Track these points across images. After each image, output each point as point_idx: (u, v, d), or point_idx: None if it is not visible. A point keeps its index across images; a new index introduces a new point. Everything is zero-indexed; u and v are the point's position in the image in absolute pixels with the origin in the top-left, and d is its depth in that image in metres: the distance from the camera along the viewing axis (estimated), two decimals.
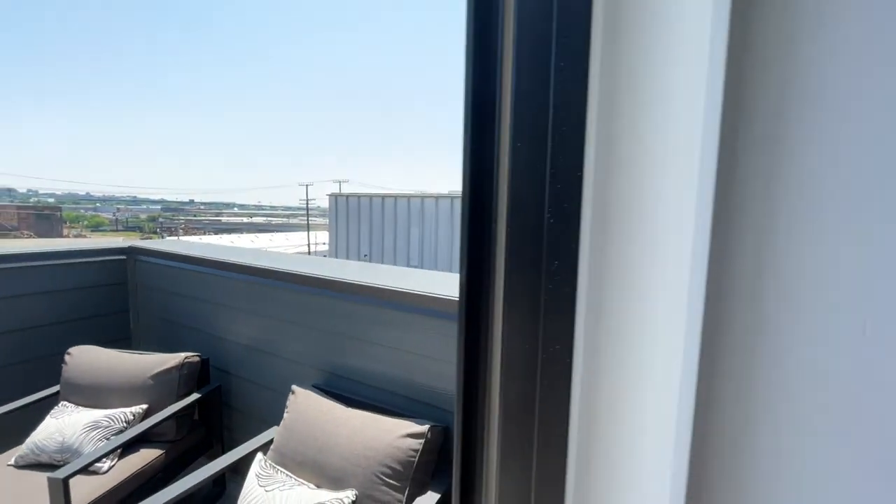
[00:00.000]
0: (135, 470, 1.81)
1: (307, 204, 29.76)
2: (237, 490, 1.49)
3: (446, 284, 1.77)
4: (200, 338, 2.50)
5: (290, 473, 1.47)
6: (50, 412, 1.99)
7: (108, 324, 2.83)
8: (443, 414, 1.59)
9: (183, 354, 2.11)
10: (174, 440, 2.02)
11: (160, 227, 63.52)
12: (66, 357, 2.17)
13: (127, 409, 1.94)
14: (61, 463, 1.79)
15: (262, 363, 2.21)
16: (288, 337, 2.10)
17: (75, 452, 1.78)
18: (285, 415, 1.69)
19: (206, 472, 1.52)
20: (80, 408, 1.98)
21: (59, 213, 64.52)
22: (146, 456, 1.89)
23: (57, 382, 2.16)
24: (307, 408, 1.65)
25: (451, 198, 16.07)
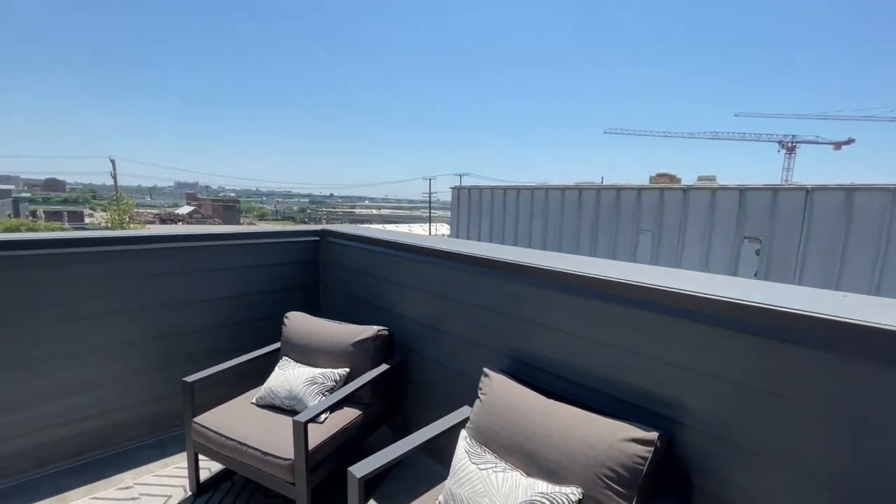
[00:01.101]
0: (343, 424, 2.05)
1: (429, 197, 31.34)
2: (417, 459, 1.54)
3: (645, 273, 1.58)
4: (382, 313, 2.73)
5: (497, 455, 1.47)
6: (277, 364, 2.37)
7: (302, 295, 3.29)
8: (657, 419, 1.41)
9: (375, 328, 2.31)
10: (369, 403, 2.23)
11: (307, 218, 73.94)
12: (285, 320, 2.56)
13: (334, 371, 2.20)
14: (289, 407, 2.12)
15: (442, 342, 2.30)
16: (470, 320, 2.14)
17: (300, 401, 2.08)
18: (481, 396, 1.70)
19: (409, 442, 1.62)
20: (298, 364, 2.32)
21: (238, 205, 79.68)
22: (349, 414, 2.12)
23: (276, 340, 2.57)
24: (505, 393, 1.64)
25: (580, 189, 15.22)
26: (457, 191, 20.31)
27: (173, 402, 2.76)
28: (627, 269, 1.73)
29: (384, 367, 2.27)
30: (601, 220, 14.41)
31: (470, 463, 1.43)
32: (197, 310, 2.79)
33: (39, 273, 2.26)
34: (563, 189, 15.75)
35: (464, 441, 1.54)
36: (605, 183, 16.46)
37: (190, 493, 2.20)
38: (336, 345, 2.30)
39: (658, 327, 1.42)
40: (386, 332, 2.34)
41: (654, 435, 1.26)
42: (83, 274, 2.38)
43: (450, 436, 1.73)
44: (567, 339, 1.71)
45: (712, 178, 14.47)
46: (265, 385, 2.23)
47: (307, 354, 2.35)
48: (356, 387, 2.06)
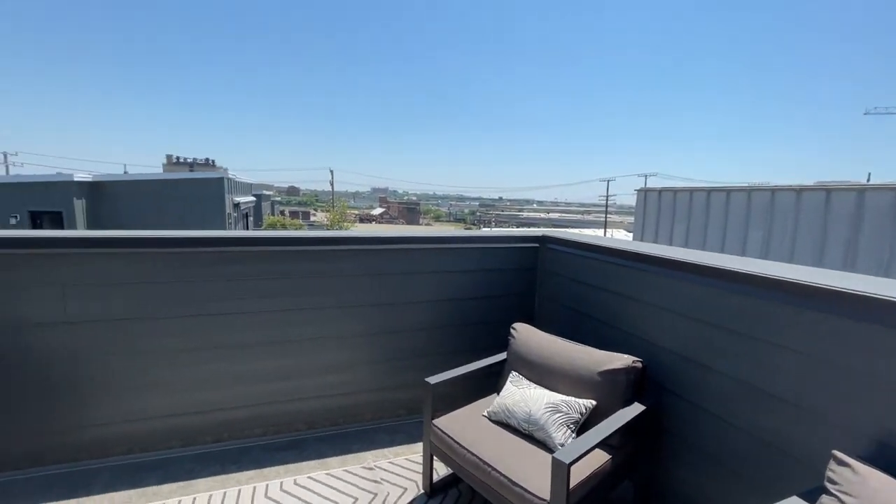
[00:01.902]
0: (594, 469, 1.74)
1: (606, 200, 28.93)
2: None
3: None
4: (617, 336, 2.33)
5: None
6: (507, 377, 2.22)
7: (517, 303, 3.14)
8: None
9: (628, 358, 1.94)
10: (617, 447, 1.87)
11: (477, 220, 78.03)
12: (513, 332, 2.42)
13: (578, 400, 1.91)
14: (527, 432, 1.92)
15: (729, 392, 1.76)
16: (780, 367, 1.56)
17: (541, 428, 1.87)
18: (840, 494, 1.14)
19: None
20: (532, 384, 2.11)
21: (418, 207, 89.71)
22: (599, 457, 1.80)
23: (493, 347, 2.46)
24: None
25: (826, 190, 11.55)
26: (643, 193, 18.05)
27: (393, 392, 2.94)
28: None
29: (639, 407, 1.87)
30: (868, 229, 10.60)
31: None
32: (417, 310, 2.91)
33: (311, 266, 2.64)
34: (800, 189, 12.22)
35: None
36: (875, 181, 12.09)
37: (422, 491, 2.24)
38: (578, 370, 2.01)
39: None
40: (640, 365, 1.94)
41: None
42: (347, 269, 2.71)
43: None
44: None
45: None
46: (499, 400, 2.10)
47: (542, 374, 2.14)
48: (614, 427, 1.72)
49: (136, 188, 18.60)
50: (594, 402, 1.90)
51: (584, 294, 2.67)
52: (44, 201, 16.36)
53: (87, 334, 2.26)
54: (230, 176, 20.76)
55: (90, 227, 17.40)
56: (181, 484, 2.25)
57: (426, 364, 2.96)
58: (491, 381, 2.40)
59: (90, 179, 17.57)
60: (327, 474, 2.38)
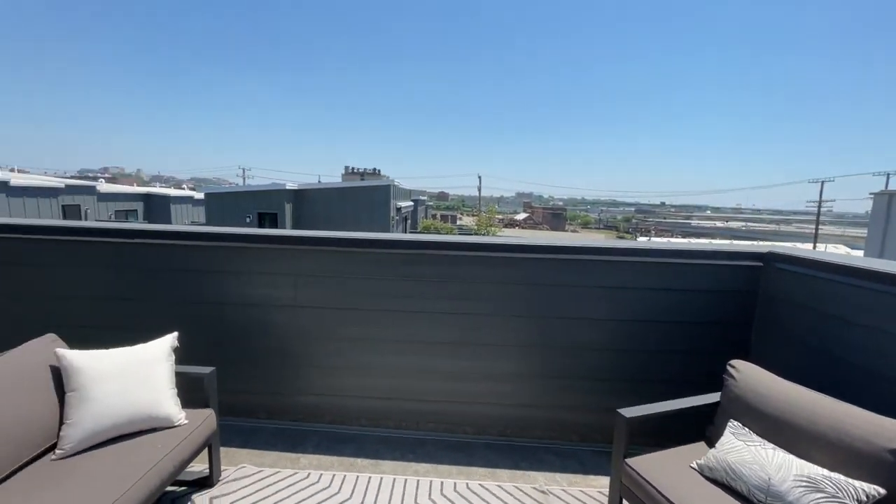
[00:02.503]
0: None
1: (819, 206, 22.75)
2: None
3: None
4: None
5: None
6: (727, 427, 1.80)
7: (723, 334, 2.59)
8: None
9: None
10: None
11: (632, 228, 70.74)
12: (731, 370, 1.96)
13: (853, 483, 1.40)
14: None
15: None
16: None
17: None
18: None
19: None
20: (769, 444, 1.65)
21: (564, 212, 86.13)
22: None
23: (697, 385, 2.02)
24: None
25: None
26: (886, 197, 13.56)
27: (566, 413, 2.72)
28: None
29: None
30: None
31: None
32: (594, 328, 2.63)
33: (484, 272, 2.63)
34: None
35: None
36: None
37: None
38: (852, 440, 1.49)
39: None
40: None
41: None
42: (522, 277, 2.62)
43: None
44: None
45: None
46: (715, 453, 1.70)
47: (783, 433, 1.66)
48: None
49: (325, 194, 22.45)
50: (881, 491, 1.37)
51: (837, 332, 2.01)
52: (267, 205, 21.10)
53: (308, 317, 2.69)
54: (395, 183, 23.32)
55: (294, 226, 21.73)
56: (371, 461, 2.49)
57: (607, 389, 2.67)
58: (692, 424, 2.00)
59: (296, 188, 21.95)
60: (498, 486, 2.33)
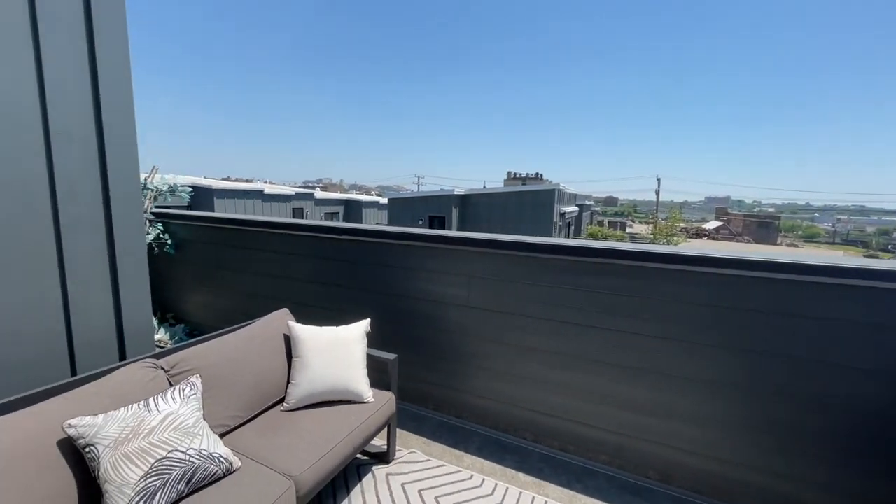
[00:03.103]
0: None
1: None
2: None
3: None
4: None
5: None
6: None
7: None
8: None
9: None
10: None
11: (893, 245, 51.90)
12: None
13: None
14: None
15: None
16: None
17: None
18: None
19: None
20: None
21: (776, 221, 69.08)
22: None
23: None
24: None
25: None
26: None
27: (796, 487, 2.04)
28: None
29: None
30: None
31: None
32: (835, 375, 1.91)
33: (677, 290, 2.17)
34: None
35: None
36: None
37: None
38: None
39: None
40: None
41: None
42: (731, 299, 2.10)
43: None
44: None
45: None
46: None
47: None
48: None
49: (488, 199, 23.30)
50: None
51: None
52: (437, 209, 23.12)
53: (479, 318, 2.72)
54: (559, 187, 22.58)
55: (459, 228, 23.25)
56: (535, 480, 2.35)
57: (871, 470, 1.92)
58: None
59: (462, 193, 23.41)
60: None
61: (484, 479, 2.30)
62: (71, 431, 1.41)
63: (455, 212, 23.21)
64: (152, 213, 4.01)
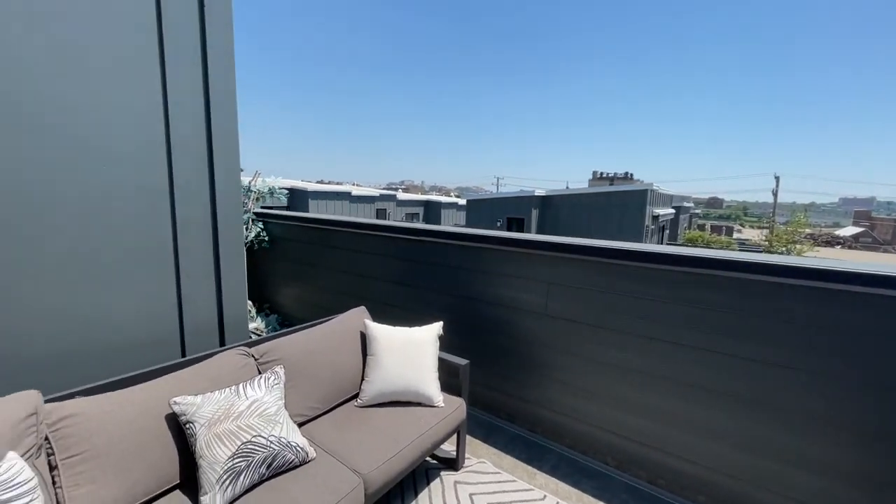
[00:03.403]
0: None
1: None
2: None
3: None
4: None
5: None
6: None
7: None
8: None
9: None
10: None
11: None
12: None
13: None
14: None
15: None
16: None
17: None
18: None
19: None
20: None
21: None
22: None
23: None
24: None
25: None
26: None
27: None
28: None
29: None
30: None
31: None
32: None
33: (810, 310, 1.78)
34: None
35: None
36: None
37: None
38: None
39: None
40: None
41: None
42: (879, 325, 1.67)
43: None
44: None
45: None
46: None
47: None
48: None
49: (570, 200, 22.28)
50: None
51: None
52: (515, 210, 22.69)
53: (557, 328, 2.54)
54: (653, 188, 20.79)
55: (538, 231, 22.56)
56: None
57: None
58: None
59: (543, 194, 22.68)
60: None
61: (559, 503, 2.14)
62: (176, 408, 1.57)
63: (535, 213, 22.58)
64: (255, 214, 4.45)
